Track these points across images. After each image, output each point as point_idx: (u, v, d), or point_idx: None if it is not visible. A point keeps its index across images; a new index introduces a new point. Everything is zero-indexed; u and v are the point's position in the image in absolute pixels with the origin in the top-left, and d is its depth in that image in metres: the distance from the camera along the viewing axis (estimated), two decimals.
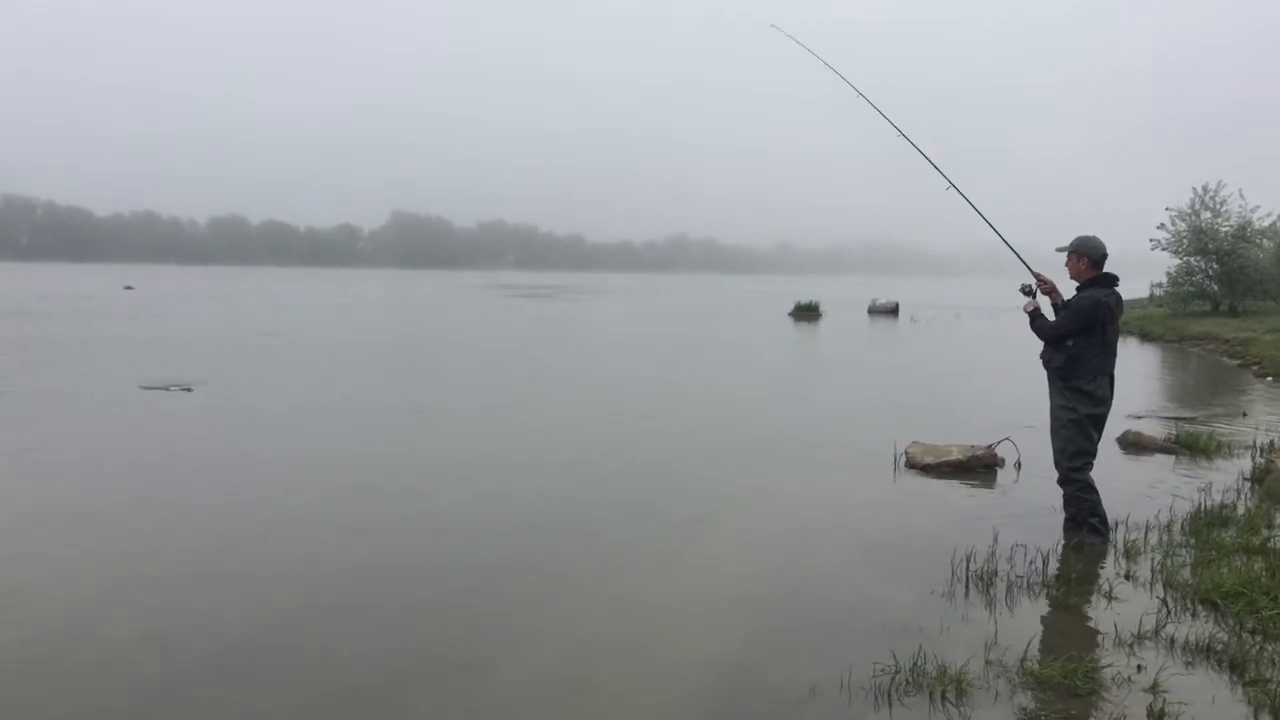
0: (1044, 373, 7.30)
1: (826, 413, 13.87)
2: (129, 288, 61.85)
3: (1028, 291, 7.37)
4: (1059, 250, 7.31)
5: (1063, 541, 7.10)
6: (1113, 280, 7.14)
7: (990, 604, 5.83)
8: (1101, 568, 6.54)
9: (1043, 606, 5.86)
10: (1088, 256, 7.14)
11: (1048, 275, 7.41)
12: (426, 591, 6.06)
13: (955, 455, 9.79)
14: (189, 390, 14.54)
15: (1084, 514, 7.10)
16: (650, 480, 9.35)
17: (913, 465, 9.79)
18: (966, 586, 6.10)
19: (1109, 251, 7.20)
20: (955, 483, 9.26)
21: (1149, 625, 5.36)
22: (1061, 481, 7.19)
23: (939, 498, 8.72)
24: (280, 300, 51.48)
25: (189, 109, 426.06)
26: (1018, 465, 9.86)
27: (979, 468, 9.70)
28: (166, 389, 14.44)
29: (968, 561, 6.36)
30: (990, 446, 10.01)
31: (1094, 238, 7.22)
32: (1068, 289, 7.42)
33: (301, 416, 12.83)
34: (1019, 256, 7.74)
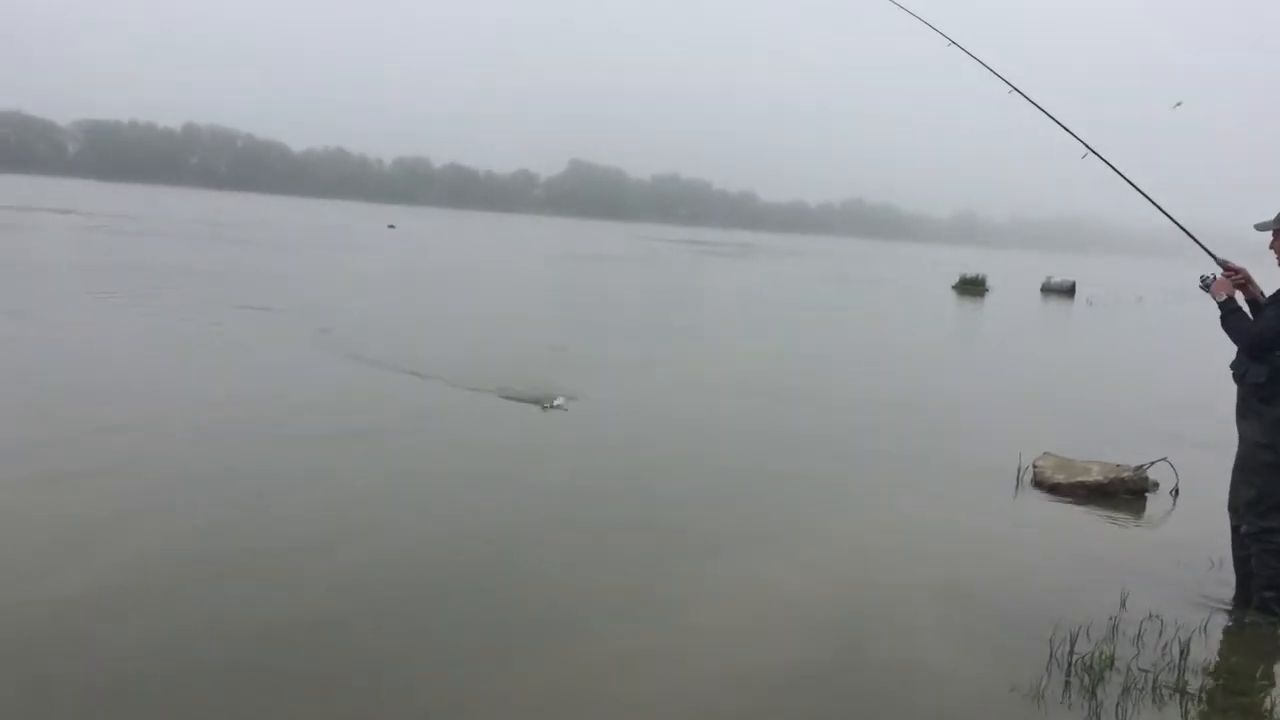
0: (1233, 387, 5.43)
1: (954, 406, 11.92)
2: (391, 227, 63.32)
3: (1209, 286, 5.48)
4: (1260, 228, 5.36)
5: (1225, 616, 5.33)
6: None
7: (1094, 714, 4.17)
8: (1275, 667, 4.75)
9: None
10: None
11: (1238, 263, 5.50)
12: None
13: (1095, 475, 7.95)
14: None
15: (1260, 584, 5.25)
16: (712, 483, 7.72)
17: (1040, 483, 8.00)
18: (1067, 678, 4.45)
19: None
20: (1089, 511, 7.45)
21: None
22: (1250, 538, 5.32)
23: (1063, 532, 6.96)
24: (539, 248, 52.73)
25: (374, 54, 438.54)
26: (1174, 493, 7.96)
27: (1123, 493, 7.85)
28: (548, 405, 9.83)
29: (1073, 642, 4.67)
30: (1141, 467, 8.11)
31: None
32: (1270, 280, 5.51)
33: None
34: (1191, 236, 5.88)
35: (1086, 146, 6.38)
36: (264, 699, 3.93)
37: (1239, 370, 5.28)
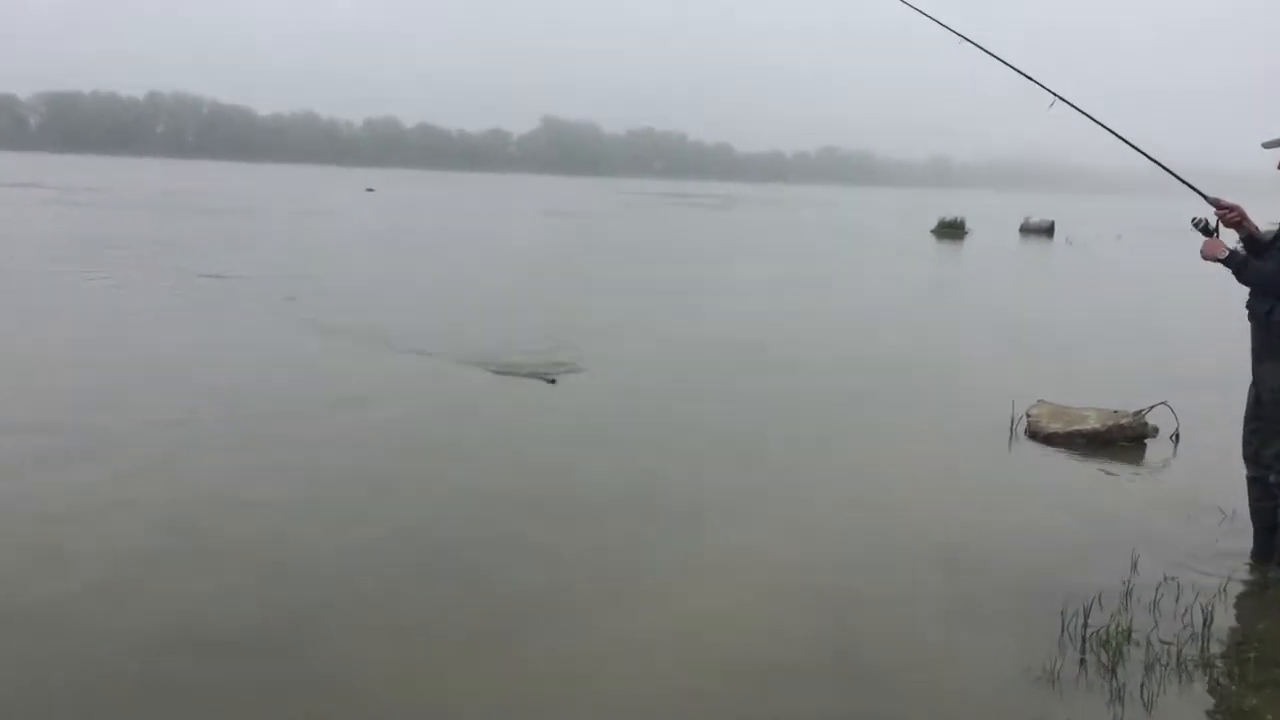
0: (1229, 325, 4.94)
1: (939, 355, 11.50)
2: (370, 190, 61.97)
3: (1203, 228, 4.89)
4: (1268, 145, 4.78)
5: (1245, 574, 4.94)
6: None
7: (1117, 697, 3.75)
8: None
9: (1204, 705, 3.76)
10: None
11: (1230, 199, 4.99)
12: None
13: (1092, 423, 7.54)
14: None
15: None
16: (697, 452, 7.17)
17: (1035, 434, 7.58)
18: (1082, 655, 4.03)
19: None
20: (1088, 462, 7.04)
21: None
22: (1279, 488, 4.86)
23: (1063, 487, 6.55)
24: (519, 205, 51.12)
25: (339, 8, 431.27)
26: (1174, 439, 7.57)
27: (1122, 440, 7.45)
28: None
29: (1086, 613, 4.23)
30: (1140, 412, 7.71)
31: None
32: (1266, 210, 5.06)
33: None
34: (1176, 176, 5.37)
35: (1053, 94, 5.85)
36: (248, 696, 3.59)
37: (1263, 308, 4.77)
